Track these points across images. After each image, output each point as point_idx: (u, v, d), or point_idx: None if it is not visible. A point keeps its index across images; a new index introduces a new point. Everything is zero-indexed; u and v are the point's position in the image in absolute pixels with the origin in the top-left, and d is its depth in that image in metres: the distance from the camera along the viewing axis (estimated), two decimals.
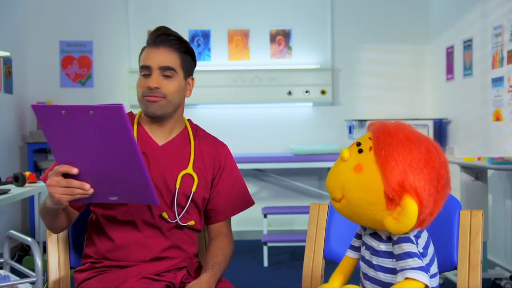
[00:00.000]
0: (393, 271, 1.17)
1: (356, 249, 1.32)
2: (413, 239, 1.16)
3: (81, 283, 1.64)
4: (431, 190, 1.13)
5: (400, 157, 1.12)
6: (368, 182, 1.13)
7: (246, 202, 1.81)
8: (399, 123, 1.20)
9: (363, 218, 1.17)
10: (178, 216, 1.65)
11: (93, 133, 1.29)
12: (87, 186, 1.36)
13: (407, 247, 1.14)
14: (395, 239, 1.16)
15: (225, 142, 1.82)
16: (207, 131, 1.82)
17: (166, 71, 1.64)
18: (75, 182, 1.36)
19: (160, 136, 1.70)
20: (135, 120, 1.71)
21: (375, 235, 1.21)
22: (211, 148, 1.75)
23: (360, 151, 1.17)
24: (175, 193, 1.65)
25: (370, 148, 1.16)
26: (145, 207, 1.63)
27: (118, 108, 1.24)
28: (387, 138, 1.14)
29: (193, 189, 1.68)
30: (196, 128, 1.78)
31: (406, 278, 1.12)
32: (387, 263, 1.19)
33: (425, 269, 1.12)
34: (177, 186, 1.66)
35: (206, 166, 1.72)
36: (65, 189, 1.36)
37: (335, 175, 1.20)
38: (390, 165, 1.11)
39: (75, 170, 1.35)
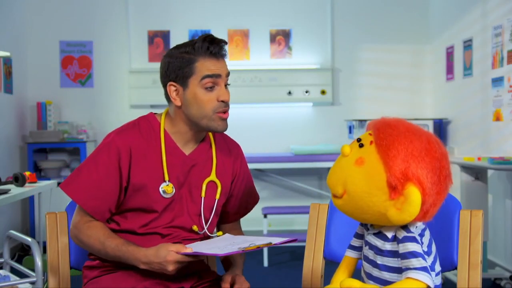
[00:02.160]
0: (399, 270, 1.17)
1: (356, 248, 1.31)
2: (418, 238, 1.16)
3: (91, 279, 1.64)
4: (434, 179, 1.13)
5: (401, 146, 1.13)
6: (370, 174, 1.13)
7: (254, 201, 1.84)
8: (399, 118, 1.21)
9: (366, 212, 1.16)
10: (206, 227, 1.66)
11: None
12: (189, 249, 1.46)
13: (412, 246, 1.14)
14: (400, 237, 1.16)
15: None
16: None
17: (228, 77, 1.60)
18: (188, 256, 1.45)
19: (188, 145, 1.65)
20: (162, 127, 1.63)
21: (380, 234, 1.21)
22: (229, 151, 1.74)
23: (361, 145, 1.18)
24: (201, 204, 1.65)
25: (371, 142, 1.17)
26: (166, 221, 1.61)
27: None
28: (388, 129, 1.16)
29: (217, 197, 1.67)
30: None
31: (408, 278, 1.12)
32: (392, 262, 1.18)
33: (428, 270, 1.12)
34: (203, 195, 1.65)
35: (227, 171, 1.71)
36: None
37: (336, 170, 1.20)
38: (392, 154, 1.12)
39: (189, 250, 1.45)
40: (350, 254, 1.32)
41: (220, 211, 1.73)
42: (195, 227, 1.63)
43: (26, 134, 5.28)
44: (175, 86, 1.59)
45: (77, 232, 1.59)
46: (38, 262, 1.98)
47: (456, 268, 1.47)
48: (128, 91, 5.41)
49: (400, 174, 1.11)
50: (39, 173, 5.14)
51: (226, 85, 1.60)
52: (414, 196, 1.10)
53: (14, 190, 3.21)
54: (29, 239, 2.08)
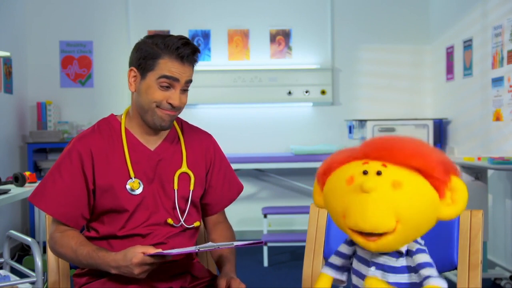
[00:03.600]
0: (412, 285, 1.15)
1: (336, 267, 1.27)
2: (426, 249, 1.15)
3: (82, 286, 1.63)
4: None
5: (423, 150, 1.12)
6: (417, 189, 1.10)
7: (238, 189, 1.82)
8: (375, 137, 1.21)
9: (422, 228, 1.13)
10: (182, 219, 1.64)
11: None
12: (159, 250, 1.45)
13: (426, 257, 1.13)
14: (414, 249, 1.15)
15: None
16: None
17: (188, 84, 1.60)
18: (155, 258, 1.44)
19: (151, 140, 1.66)
20: (123, 126, 1.65)
21: (390, 252, 1.17)
22: (199, 142, 1.73)
23: (379, 173, 1.11)
24: (174, 197, 1.64)
25: (384, 165, 1.12)
26: (142, 219, 1.61)
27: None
28: (398, 144, 1.14)
29: (191, 187, 1.66)
30: (181, 122, 1.76)
31: (431, 286, 1.10)
32: (406, 278, 1.16)
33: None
34: (175, 187, 1.64)
35: (199, 162, 1.70)
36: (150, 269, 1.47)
37: (375, 208, 1.08)
38: (425, 159, 1.10)
39: (158, 251, 1.45)
40: (329, 272, 1.27)
41: (198, 203, 1.71)
42: (169, 220, 1.62)
43: (26, 134, 5.28)
44: (135, 72, 1.61)
45: (53, 243, 1.59)
46: (38, 262, 1.98)
47: (456, 268, 1.47)
48: (128, 91, 5.40)
49: (442, 172, 1.10)
50: (39, 173, 5.14)
51: (184, 90, 1.60)
52: (461, 184, 1.10)
53: (14, 190, 3.21)
54: (29, 239, 2.08)
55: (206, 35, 5.50)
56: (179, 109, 1.60)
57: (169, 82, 1.56)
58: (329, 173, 1.21)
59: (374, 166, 1.12)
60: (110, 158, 1.61)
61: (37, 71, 5.42)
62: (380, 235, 1.09)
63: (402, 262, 1.17)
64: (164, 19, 5.49)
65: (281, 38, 5.55)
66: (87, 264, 1.54)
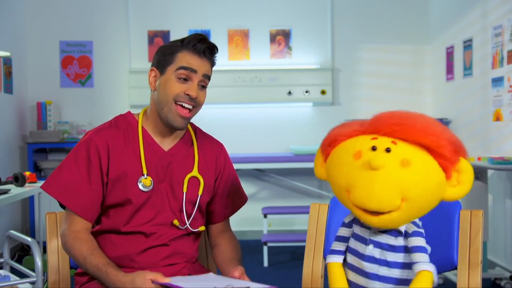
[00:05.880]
0: (409, 266, 1.15)
1: (342, 253, 1.27)
2: (424, 233, 1.16)
3: (83, 285, 1.63)
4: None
5: (435, 128, 1.09)
6: (425, 168, 1.08)
7: (242, 201, 1.83)
8: (385, 112, 1.18)
9: (426, 208, 1.11)
10: (188, 222, 1.65)
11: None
12: (167, 280, 1.42)
13: (421, 241, 1.13)
14: (410, 232, 1.14)
15: (225, 142, 1.81)
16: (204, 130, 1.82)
17: (206, 79, 1.63)
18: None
19: (166, 141, 1.67)
20: (140, 124, 1.66)
21: (390, 230, 1.17)
22: (211, 149, 1.75)
23: (388, 150, 1.09)
24: (182, 199, 1.64)
25: (393, 142, 1.10)
26: (148, 217, 1.61)
27: None
28: (409, 120, 1.11)
29: (200, 192, 1.67)
30: (195, 128, 1.77)
31: (423, 271, 1.11)
32: (403, 258, 1.16)
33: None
34: (184, 190, 1.65)
35: (209, 168, 1.72)
36: None
37: (382, 185, 1.06)
38: (437, 139, 1.07)
39: (167, 281, 1.41)
40: (338, 259, 1.26)
41: (204, 209, 1.72)
42: (175, 221, 1.63)
43: (26, 134, 5.28)
44: (155, 71, 1.64)
45: (64, 240, 1.59)
46: (38, 262, 1.98)
47: (456, 268, 1.47)
48: (128, 91, 5.41)
49: (452, 153, 1.08)
50: (39, 173, 5.14)
51: (201, 85, 1.63)
52: (468, 166, 1.11)
53: (14, 190, 3.21)
54: (29, 239, 2.08)
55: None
56: (196, 105, 1.61)
57: (187, 74, 1.59)
58: (335, 145, 1.19)
59: (383, 142, 1.09)
60: (124, 153, 1.62)
61: (37, 71, 5.42)
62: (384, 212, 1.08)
63: (400, 241, 1.17)
64: (164, 19, 5.49)
65: (281, 38, 5.55)
66: (93, 274, 1.54)
